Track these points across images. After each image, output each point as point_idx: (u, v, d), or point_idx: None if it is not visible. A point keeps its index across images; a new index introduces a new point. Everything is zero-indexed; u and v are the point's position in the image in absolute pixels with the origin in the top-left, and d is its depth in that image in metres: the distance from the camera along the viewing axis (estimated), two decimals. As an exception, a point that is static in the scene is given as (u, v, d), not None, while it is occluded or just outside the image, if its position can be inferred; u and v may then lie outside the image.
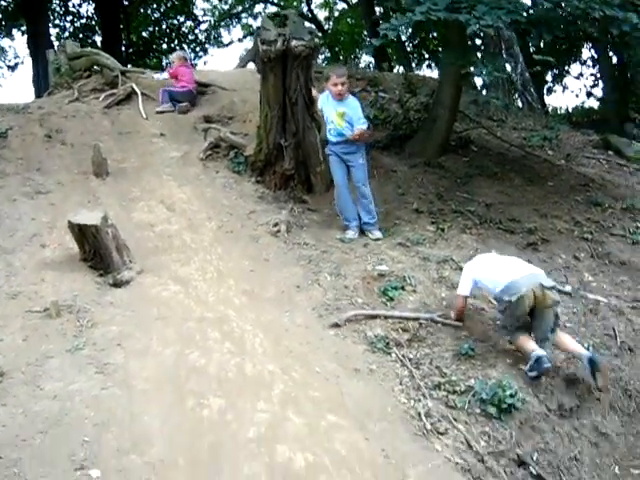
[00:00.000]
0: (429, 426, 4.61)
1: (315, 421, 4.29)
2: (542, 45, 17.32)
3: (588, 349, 5.45)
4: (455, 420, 4.71)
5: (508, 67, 14.78)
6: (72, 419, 4.05)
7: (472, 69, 8.28)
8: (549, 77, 23.32)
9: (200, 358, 4.76)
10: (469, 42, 8.99)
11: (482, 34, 11.05)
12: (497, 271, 5.53)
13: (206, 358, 4.76)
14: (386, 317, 5.78)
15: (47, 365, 4.58)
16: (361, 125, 7.15)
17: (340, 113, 7.22)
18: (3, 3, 23.35)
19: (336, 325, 5.63)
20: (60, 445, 3.83)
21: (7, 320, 5.11)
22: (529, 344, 5.25)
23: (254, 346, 5.04)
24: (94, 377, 4.48)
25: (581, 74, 22.96)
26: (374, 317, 5.78)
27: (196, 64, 25.96)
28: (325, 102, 7.40)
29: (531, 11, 7.54)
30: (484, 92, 16.24)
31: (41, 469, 3.65)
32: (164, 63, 23.75)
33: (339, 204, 7.42)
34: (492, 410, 4.78)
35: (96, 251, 5.91)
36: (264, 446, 3.95)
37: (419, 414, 4.70)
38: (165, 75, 10.67)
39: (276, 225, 7.21)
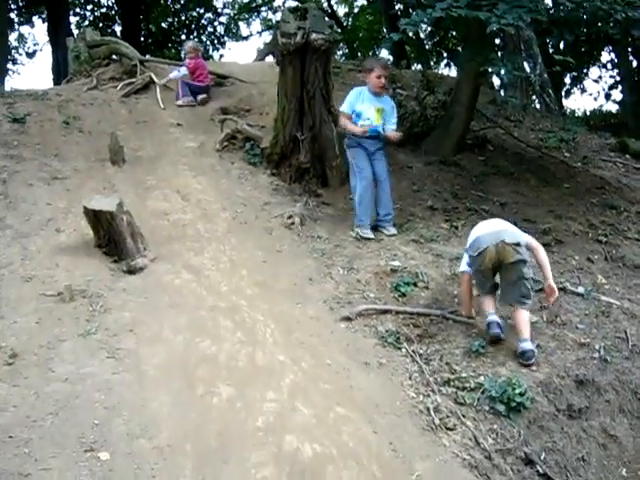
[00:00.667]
0: (437, 421, 4.60)
1: (324, 412, 4.31)
2: (562, 47, 17.24)
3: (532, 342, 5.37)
4: (463, 416, 4.70)
5: (527, 67, 14.72)
6: (83, 402, 4.09)
7: (491, 68, 8.23)
8: (567, 79, 23.22)
9: (211, 346, 4.78)
10: (489, 40, 8.93)
11: (502, 33, 11.00)
12: (471, 235, 5.67)
13: (217, 346, 4.78)
14: (397, 312, 5.79)
15: (59, 348, 4.63)
16: (392, 126, 7.27)
17: (379, 109, 7.21)
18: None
19: (347, 318, 5.65)
20: (70, 427, 3.87)
21: (21, 303, 5.15)
22: (487, 307, 5.47)
23: (265, 336, 5.06)
24: (105, 362, 4.51)
25: (600, 77, 22.87)
26: (385, 312, 5.80)
27: (212, 56, 26.01)
28: (359, 97, 7.22)
29: (552, 11, 7.51)
30: (502, 92, 16.15)
31: (51, 450, 3.68)
32: (182, 54, 23.79)
33: (364, 200, 7.10)
34: (501, 408, 4.76)
35: (111, 237, 5.94)
36: (272, 435, 3.96)
37: (428, 409, 4.70)
38: (184, 71, 10.51)
39: (290, 217, 7.22)
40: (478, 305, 5.75)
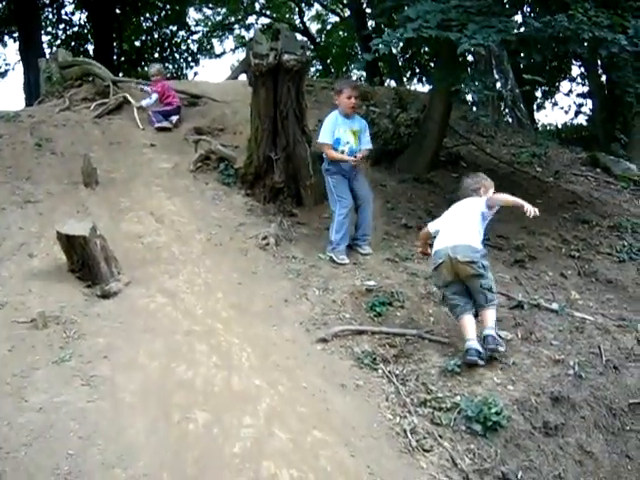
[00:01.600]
0: (414, 443, 4.60)
1: (301, 437, 4.29)
2: (532, 62, 17.41)
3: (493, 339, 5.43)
4: (440, 437, 4.70)
5: (498, 83, 14.86)
6: (57, 432, 4.04)
7: (462, 86, 8.32)
8: (539, 93, 23.45)
9: (187, 371, 4.75)
10: (460, 59, 9.03)
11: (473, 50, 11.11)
12: (434, 245, 5.75)
13: (193, 371, 4.76)
14: (373, 333, 5.80)
15: (33, 377, 4.57)
16: (367, 146, 7.30)
17: (354, 131, 7.22)
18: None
19: (323, 340, 5.64)
20: (45, 458, 3.83)
21: (-7, 330, 5.10)
22: (465, 331, 5.46)
23: (241, 360, 5.04)
24: (80, 389, 4.47)
25: (571, 91, 23.07)
26: (361, 332, 5.80)
27: (186, 75, 26.02)
28: (335, 122, 7.17)
29: (521, 29, 7.59)
30: (474, 108, 16.30)
31: (25, 482, 3.64)
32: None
33: (342, 228, 7.06)
34: (477, 427, 4.77)
35: (84, 262, 5.90)
36: (249, 461, 3.94)
37: (405, 431, 4.70)
38: (154, 97, 10.37)
39: (265, 238, 7.20)
40: (460, 327, 5.71)
